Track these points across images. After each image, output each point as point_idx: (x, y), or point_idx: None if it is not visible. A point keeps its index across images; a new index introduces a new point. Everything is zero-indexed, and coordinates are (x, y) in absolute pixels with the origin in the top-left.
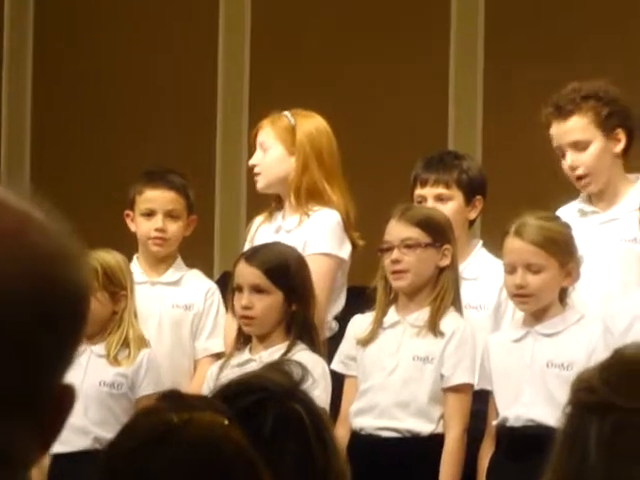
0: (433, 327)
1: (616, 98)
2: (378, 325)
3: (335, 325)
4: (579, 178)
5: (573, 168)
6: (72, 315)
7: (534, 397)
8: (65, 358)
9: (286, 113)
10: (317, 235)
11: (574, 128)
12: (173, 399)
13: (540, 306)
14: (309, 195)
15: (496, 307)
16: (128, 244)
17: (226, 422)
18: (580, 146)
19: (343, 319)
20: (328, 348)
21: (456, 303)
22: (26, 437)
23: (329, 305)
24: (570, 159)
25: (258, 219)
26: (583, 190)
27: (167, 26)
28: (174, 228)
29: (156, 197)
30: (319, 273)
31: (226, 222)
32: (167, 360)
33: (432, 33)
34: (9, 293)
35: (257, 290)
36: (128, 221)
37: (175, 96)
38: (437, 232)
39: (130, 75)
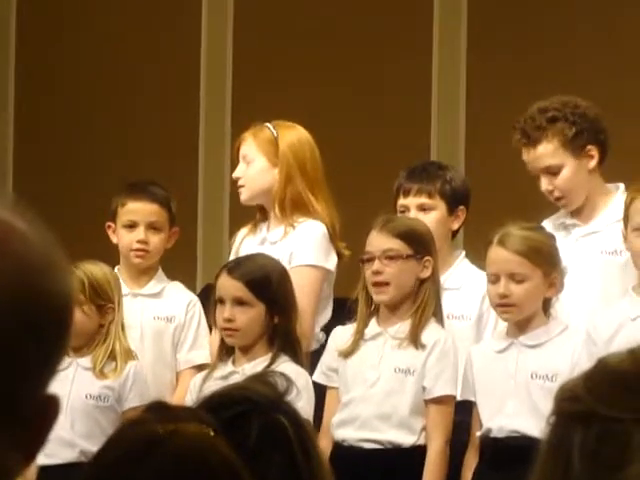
0: (414, 339)
1: (583, 113)
2: (359, 337)
3: (322, 336)
4: (557, 199)
5: (549, 192)
6: (56, 323)
7: (518, 408)
8: (49, 367)
9: (268, 125)
10: (303, 247)
11: (543, 154)
12: (158, 410)
13: (523, 316)
14: (294, 206)
15: (478, 317)
16: (109, 256)
17: (212, 433)
18: (552, 171)
19: (329, 330)
20: (316, 359)
21: (437, 314)
22: (9, 447)
23: (316, 316)
24: (544, 184)
25: (242, 231)
26: (563, 209)
27: (150, 39)
28: (156, 240)
29: (138, 209)
30: (305, 285)
31: (209, 234)
32: (149, 372)
33: (415, 37)
34: None
35: (239, 302)
36: (110, 233)
37: (157, 108)
38: (418, 244)
39: (113, 87)
